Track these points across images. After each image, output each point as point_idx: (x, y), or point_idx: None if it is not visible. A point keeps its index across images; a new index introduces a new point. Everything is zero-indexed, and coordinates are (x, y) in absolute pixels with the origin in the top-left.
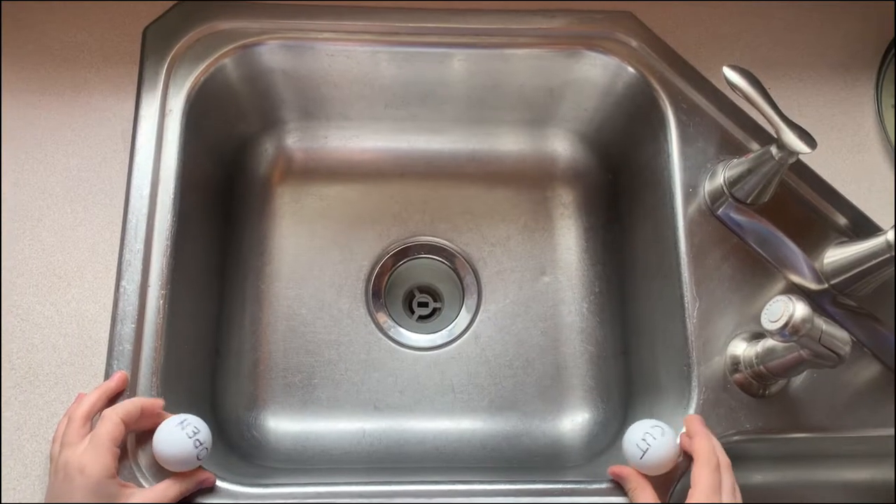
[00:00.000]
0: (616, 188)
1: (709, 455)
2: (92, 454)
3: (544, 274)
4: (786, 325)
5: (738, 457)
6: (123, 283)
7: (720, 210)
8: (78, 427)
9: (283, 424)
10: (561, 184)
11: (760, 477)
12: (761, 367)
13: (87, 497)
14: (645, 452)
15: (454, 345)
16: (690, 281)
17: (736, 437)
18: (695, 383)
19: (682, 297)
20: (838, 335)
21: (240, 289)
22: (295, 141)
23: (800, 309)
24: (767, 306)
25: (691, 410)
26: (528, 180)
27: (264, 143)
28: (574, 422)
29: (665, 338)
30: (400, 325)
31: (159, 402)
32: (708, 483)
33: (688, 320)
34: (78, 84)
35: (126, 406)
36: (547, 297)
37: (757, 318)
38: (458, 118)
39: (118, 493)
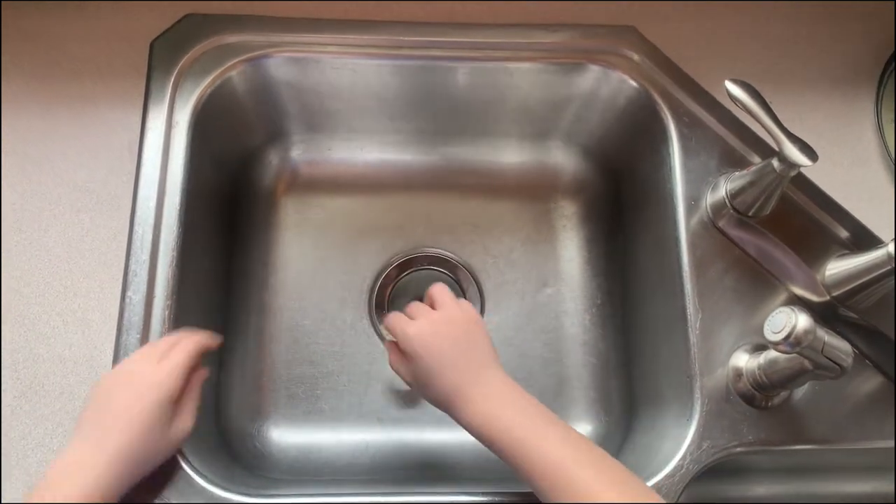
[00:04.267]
0: (618, 200)
1: None
2: (170, 376)
3: (547, 286)
4: (788, 336)
5: (741, 469)
6: (129, 293)
7: (722, 222)
8: (162, 349)
9: (287, 435)
10: (563, 196)
11: (763, 489)
12: (764, 378)
13: (150, 411)
14: None
15: None
16: (693, 293)
17: (738, 449)
18: (697, 395)
19: (684, 308)
20: (840, 346)
21: (244, 300)
22: (299, 153)
23: (802, 320)
24: (770, 318)
25: (693, 422)
26: (531, 192)
27: (269, 156)
28: None
29: (667, 349)
30: None
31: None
32: None
33: (690, 332)
34: (85, 96)
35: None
36: (549, 309)
37: (759, 330)
38: (462, 131)
39: (171, 418)
